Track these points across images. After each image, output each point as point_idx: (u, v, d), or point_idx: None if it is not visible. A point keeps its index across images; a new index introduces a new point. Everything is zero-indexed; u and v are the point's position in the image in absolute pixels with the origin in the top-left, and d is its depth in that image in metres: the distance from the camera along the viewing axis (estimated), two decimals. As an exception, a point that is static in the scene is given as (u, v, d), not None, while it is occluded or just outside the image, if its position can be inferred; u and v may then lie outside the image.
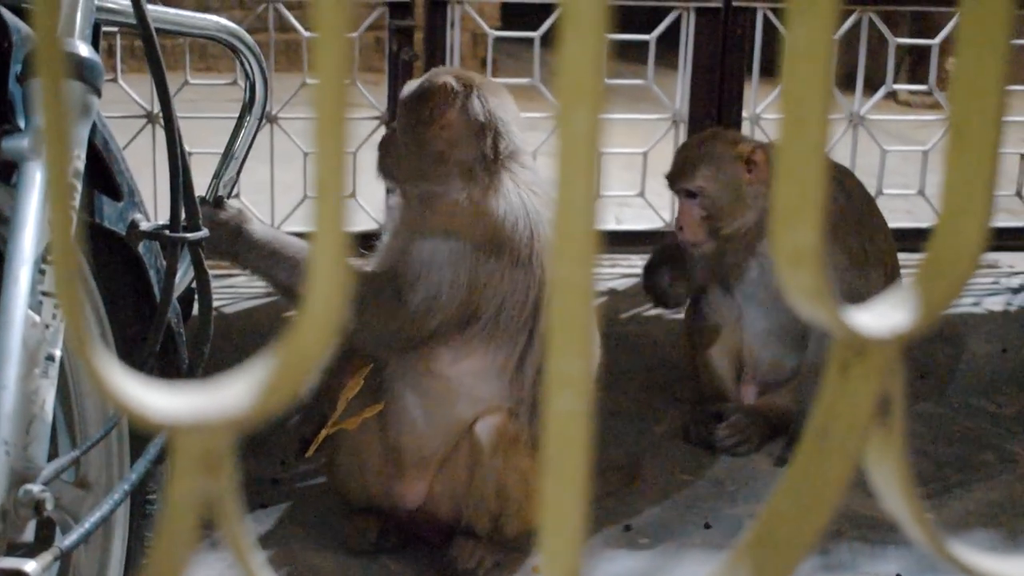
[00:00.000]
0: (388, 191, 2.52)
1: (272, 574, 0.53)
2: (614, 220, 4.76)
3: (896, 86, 4.67)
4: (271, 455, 2.91)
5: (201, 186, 2.17)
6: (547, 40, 3.98)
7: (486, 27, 4.25)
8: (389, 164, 2.50)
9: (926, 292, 0.64)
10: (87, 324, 0.48)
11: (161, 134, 3.92)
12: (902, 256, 4.37)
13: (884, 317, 0.63)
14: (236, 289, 4.01)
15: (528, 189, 2.42)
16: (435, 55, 3.98)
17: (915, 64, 7.15)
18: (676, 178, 3.11)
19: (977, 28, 0.59)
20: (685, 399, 3.26)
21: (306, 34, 4.16)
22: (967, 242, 0.64)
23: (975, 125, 0.62)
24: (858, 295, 3.04)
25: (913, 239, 4.35)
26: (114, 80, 3.97)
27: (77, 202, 1.51)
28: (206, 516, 0.51)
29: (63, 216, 0.49)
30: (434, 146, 2.40)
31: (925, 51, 4.61)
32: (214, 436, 0.50)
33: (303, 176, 4.14)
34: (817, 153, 0.58)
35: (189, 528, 0.51)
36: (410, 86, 2.50)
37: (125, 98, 3.96)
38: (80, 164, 1.55)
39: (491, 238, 2.36)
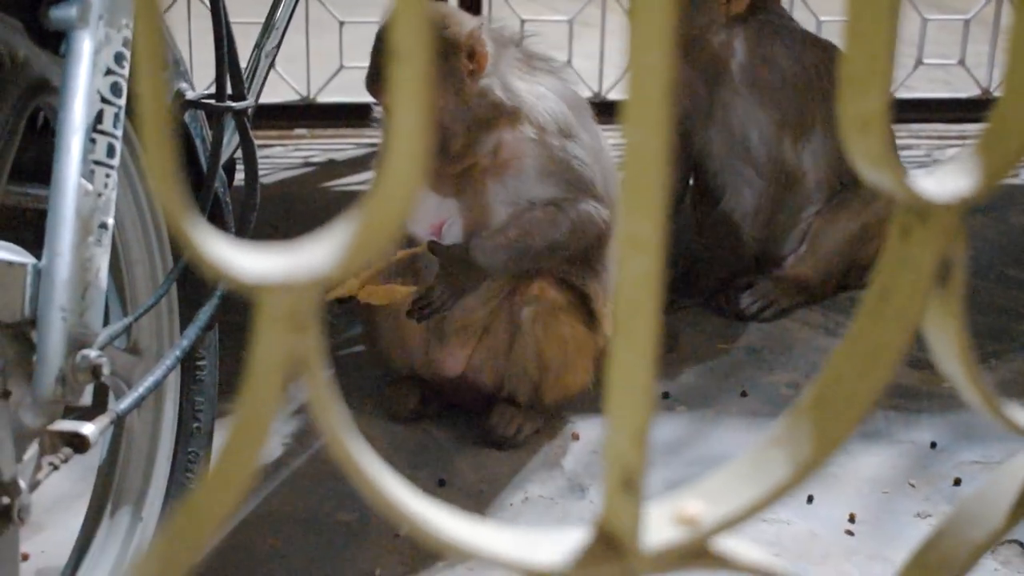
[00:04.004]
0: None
1: (356, 431, 0.54)
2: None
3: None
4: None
5: (243, 56, 2.17)
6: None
7: None
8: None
9: (988, 157, 0.65)
10: (177, 184, 0.50)
11: (196, 4, 3.90)
12: (941, 127, 4.34)
13: (946, 182, 0.64)
14: (273, 160, 4.02)
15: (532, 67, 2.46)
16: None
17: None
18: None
19: None
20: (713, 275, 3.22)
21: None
22: (1032, 107, 0.64)
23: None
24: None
25: (952, 109, 4.31)
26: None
27: (127, 70, 1.52)
28: (292, 375, 0.52)
29: (153, 68, 0.49)
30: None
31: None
32: (301, 294, 0.52)
33: (338, 46, 4.12)
34: (888, 18, 0.59)
35: (276, 386, 0.52)
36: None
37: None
38: (129, 33, 1.55)
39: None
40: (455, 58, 2.30)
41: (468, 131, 2.33)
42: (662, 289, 0.58)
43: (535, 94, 2.40)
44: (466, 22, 2.36)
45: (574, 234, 2.40)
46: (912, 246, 0.65)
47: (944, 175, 0.65)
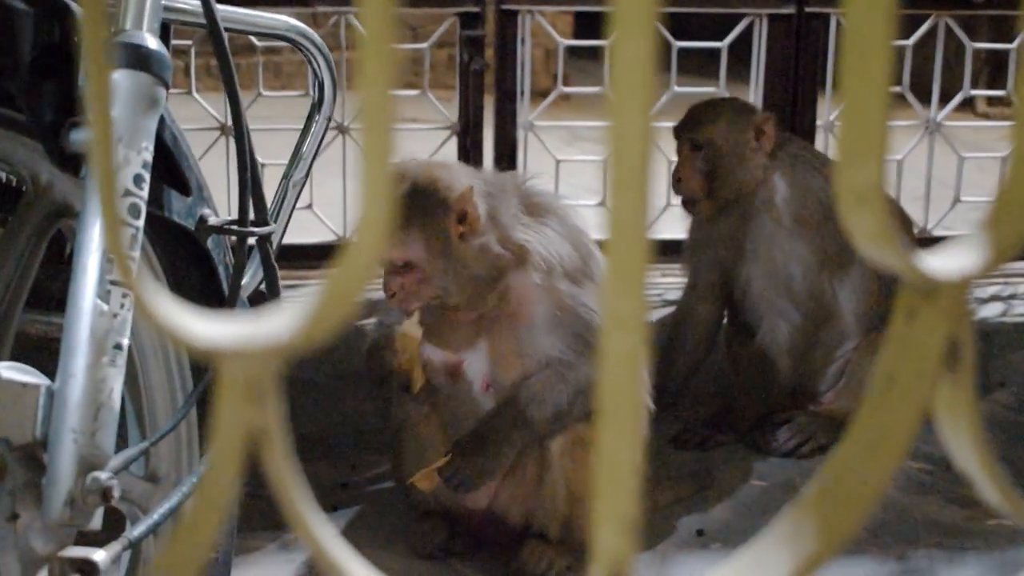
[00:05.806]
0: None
1: (316, 507, 0.52)
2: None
3: (974, 91, 4.59)
4: (341, 458, 2.92)
5: (271, 189, 2.18)
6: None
7: (557, 36, 4.25)
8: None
9: (995, 234, 0.62)
10: (128, 247, 0.48)
11: (234, 146, 3.95)
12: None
13: (952, 259, 0.61)
14: (303, 291, 4.02)
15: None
16: (506, 65, 3.99)
17: (993, 72, 7.04)
18: (684, 129, 3.13)
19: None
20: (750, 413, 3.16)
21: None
22: (1039, 183, 0.62)
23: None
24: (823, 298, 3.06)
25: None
26: (188, 93, 4.01)
27: (146, 192, 1.52)
28: (252, 446, 0.50)
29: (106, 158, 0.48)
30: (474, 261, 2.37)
31: (1003, 58, 4.54)
32: (260, 363, 0.50)
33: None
34: (881, 90, 0.57)
35: (235, 456, 0.50)
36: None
37: (200, 113, 4.00)
38: (148, 156, 1.55)
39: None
40: (443, 220, 2.31)
41: (469, 286, 2.34)
42: (646, 369, 0.55)
43: (541, 238, 2.39)
44: (457, 184, 2.35)
45: (576, 401, 2.36)
46: (918, 328, 0.63)
47: (950, 253, 0.63)
